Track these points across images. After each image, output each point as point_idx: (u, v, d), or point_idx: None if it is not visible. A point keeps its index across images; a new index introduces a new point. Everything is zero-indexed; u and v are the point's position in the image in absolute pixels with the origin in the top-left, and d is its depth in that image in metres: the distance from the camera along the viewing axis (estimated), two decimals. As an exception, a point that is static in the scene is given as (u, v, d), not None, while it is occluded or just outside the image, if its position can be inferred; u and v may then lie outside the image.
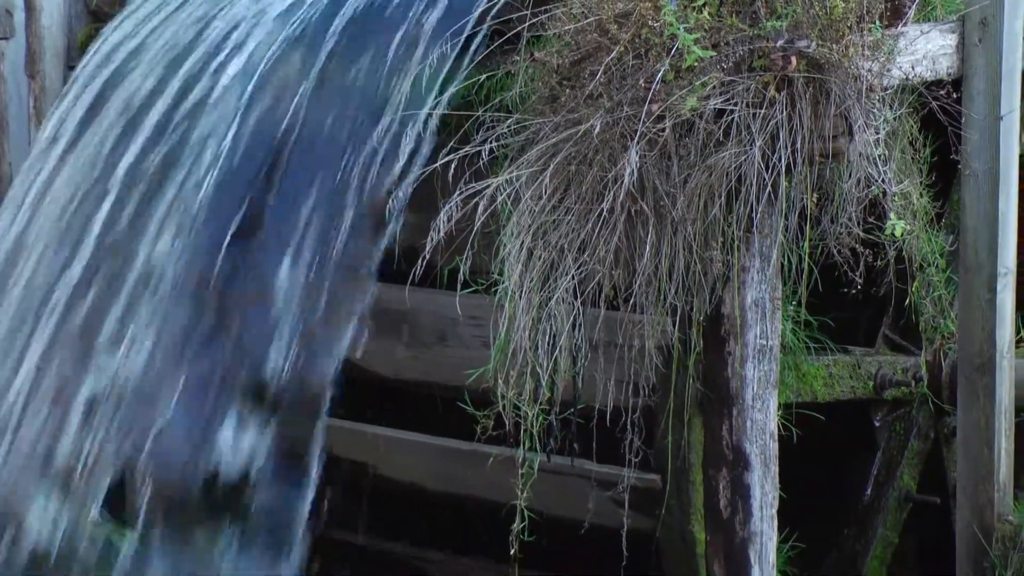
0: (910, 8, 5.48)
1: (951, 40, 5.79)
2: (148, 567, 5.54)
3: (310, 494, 5.49)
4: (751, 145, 4.95)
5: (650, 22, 5.01)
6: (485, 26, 5.51)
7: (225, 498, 5.47)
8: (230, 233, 5.58)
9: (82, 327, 5.64)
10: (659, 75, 4.96)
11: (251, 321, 5.53)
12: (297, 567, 5.49)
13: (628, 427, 5.24)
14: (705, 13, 5.00)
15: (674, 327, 5.17)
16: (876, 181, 5.22)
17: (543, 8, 5.36)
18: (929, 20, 5.76)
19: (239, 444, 5.48)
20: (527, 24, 5.38)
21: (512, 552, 5.28)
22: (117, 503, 5.72)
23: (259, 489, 5.45)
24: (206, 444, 5.47)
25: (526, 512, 5.27)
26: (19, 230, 5.93)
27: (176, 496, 5.51)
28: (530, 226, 5.03)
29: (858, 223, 5.30)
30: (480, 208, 5.06)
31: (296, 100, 5.64)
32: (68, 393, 5.59)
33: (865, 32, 5.13)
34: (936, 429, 6.58)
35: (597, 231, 4.97)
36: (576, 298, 5.06)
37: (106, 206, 5.76)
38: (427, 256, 5.13)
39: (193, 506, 5.49)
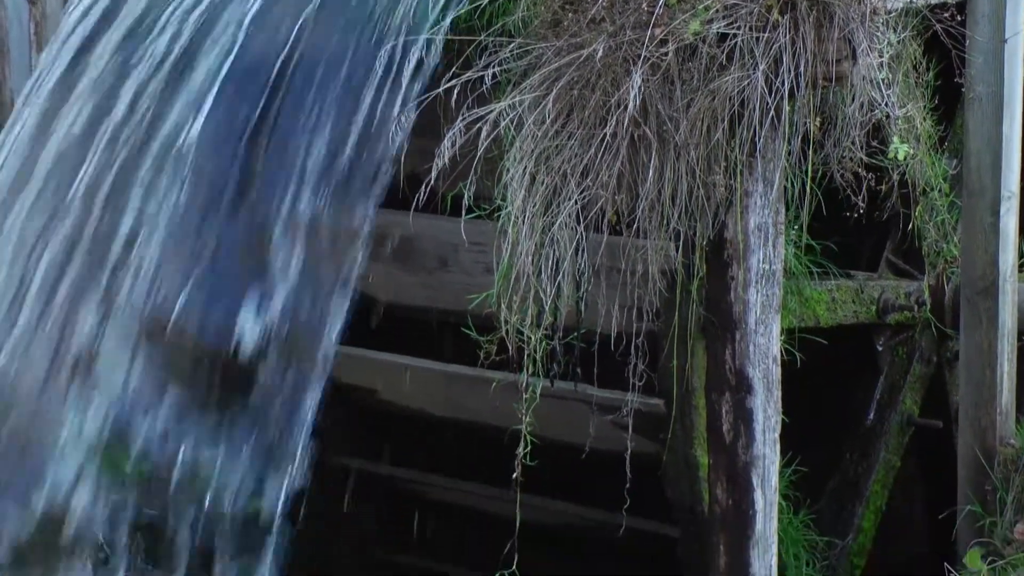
0: (915, -70, 5.44)
1: (956, -38, 5.75)
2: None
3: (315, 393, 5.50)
4: (754, 69, 4.93)
5: (653, -55, 4.97)
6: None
7: (238, 379, 5.50)
8: (237, 154, 5.57)
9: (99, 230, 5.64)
10: (662, -1, 4.94)
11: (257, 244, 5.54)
12: (296, 483, 5.51)
13: (631, 352, 5.24)
14: (708, -65, 4.97)
15: (677, 252, 5.16)
16: (879, 105, 5.20)
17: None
18: (934, -59, 5.73)
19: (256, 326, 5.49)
20: (529, -53, 5.34)
21: (515, 476, 5.30)
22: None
23: (269, 373, 5.47)
24: (224, 324, 5.48)
25: (529, 437, 5.28)
26: (28, 144, 5.92)
27: (190, 372, 5.53)
28: (533, 151, 5.01)
29: (861, 147, 5.28)
30: (483, 133, 5.04)
31: (298, 22, 5.60)
32: (88, 283, 5.60)
33: (869, -46, 5.09)
34: (939, 353, 6.59)
35: (600, 156, 4.95)
36: (579, 223, 5.06)
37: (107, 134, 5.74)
38: (431, 182, 5.11)
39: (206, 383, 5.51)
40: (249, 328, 5.48)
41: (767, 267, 5.20)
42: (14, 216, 5.84)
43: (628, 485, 5.29)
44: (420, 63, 5.38)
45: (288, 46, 5.57)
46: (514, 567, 5.25)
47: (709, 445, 5.41)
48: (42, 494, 5.52)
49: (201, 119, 5.57)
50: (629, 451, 5.30)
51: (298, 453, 5.54)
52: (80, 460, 5.51)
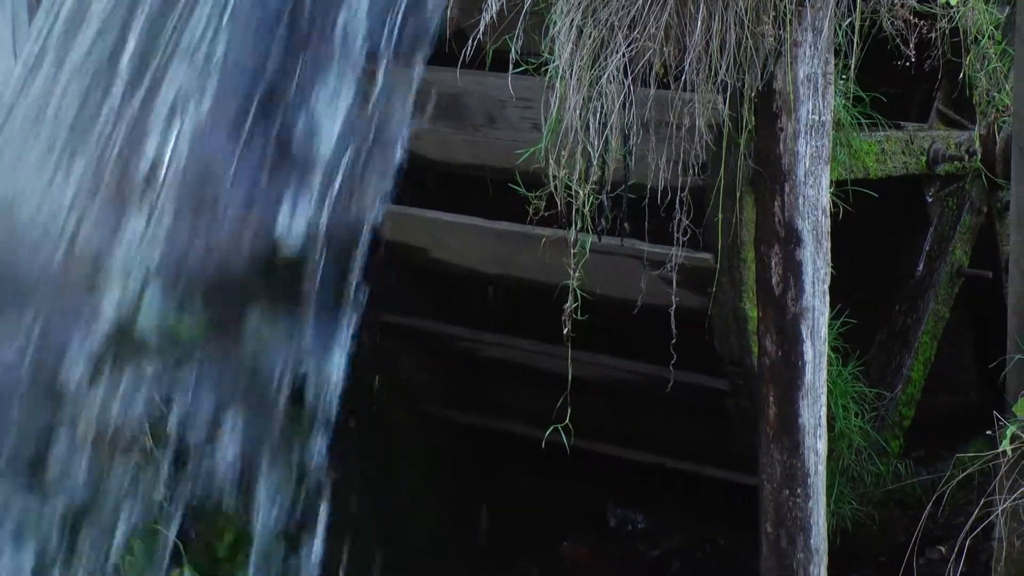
0: None
1: None
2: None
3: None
4: (803, -86, 4.87)
5: None
6: None
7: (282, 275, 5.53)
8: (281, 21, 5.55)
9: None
10: None
11: (307, 105, 5.53)
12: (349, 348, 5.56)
13: (678, 206, 5.24)
14: None
15: (725, 104, 5.13)
16: (930, -50, 5.14)
17: None
18: None
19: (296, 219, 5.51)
20: None
21: (565, 332, 5.33)
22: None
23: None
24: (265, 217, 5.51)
25: (579, 292, 5.30)
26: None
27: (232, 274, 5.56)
28: (580, 3, 4.97)
29: (911, -6, 5.22)
30: (529, -14, 5.01)
31: None
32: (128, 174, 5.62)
33: None
34: (989, 203, 6.56)
35: (647, 7, 4.91)
36: (626, 76, 5.03)
37: None
38: (478, 37, 5.08)
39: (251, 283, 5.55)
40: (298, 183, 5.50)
41: (816, 118, 5.17)
42: (55, 105, 5.85)
43: (674, 340, 5.31)
44: None
45: None
46: (567, 421, 5.30)
47: (758, 298, 5.41)
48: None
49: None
50: (674, 305, 5.31)
51: (349, 311, 5.58)
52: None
